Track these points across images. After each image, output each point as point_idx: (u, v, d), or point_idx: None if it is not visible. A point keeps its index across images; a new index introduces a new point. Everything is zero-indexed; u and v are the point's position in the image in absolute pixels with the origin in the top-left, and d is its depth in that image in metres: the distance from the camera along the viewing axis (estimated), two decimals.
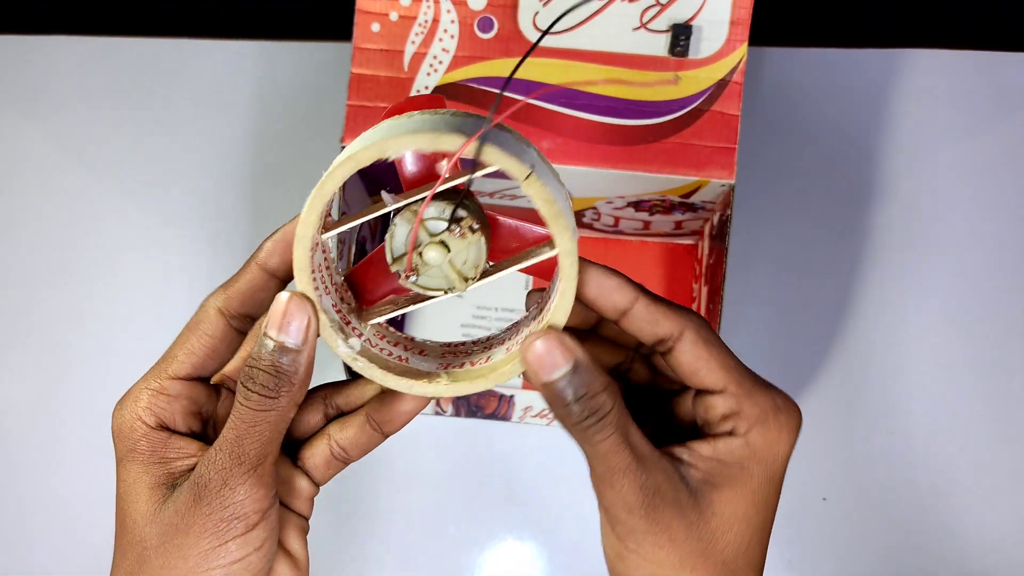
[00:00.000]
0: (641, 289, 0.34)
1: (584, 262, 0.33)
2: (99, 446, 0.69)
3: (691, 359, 0.34)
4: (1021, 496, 0.66)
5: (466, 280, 0.33)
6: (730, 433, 0.34)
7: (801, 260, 0.69)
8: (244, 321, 0.35)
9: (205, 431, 0.36)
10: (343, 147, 0.56)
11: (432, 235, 0.32)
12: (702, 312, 0.64)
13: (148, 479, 0.34)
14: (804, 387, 0.68)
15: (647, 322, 0.34)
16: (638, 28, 0.55)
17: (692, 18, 0.55)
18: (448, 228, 0.32)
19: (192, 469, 0.34)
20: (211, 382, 0.37)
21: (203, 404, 0.36)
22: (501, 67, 0.55)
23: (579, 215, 0.65)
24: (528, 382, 0.34)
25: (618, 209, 0.62)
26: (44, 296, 0.71)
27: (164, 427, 0.35)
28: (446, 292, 0.33)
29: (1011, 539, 0.65)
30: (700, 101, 0.55)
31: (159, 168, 0.72)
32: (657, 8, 0.55)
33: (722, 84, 0.55)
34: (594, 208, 0.63)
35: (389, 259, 0.33)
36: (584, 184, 0.58)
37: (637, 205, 0.61)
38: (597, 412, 0.32)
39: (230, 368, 0.38)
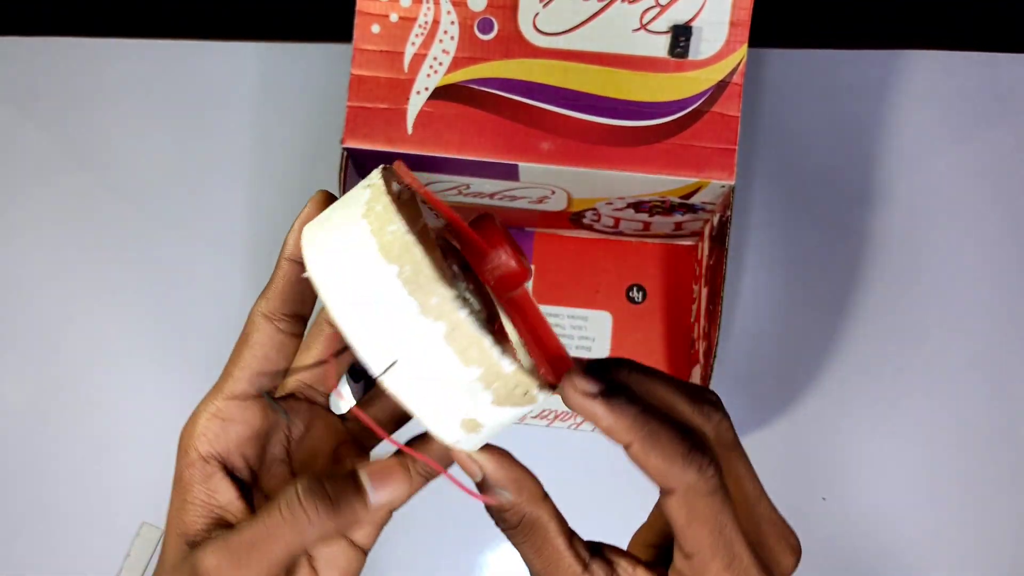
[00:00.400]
0: (649, 426, 0.31)
1: (579, 388, 0.30)
2: (98, 447, 0.69)
3: (671, 518, 0.31)
4: (1022, 495, 0.66)
5: None
6: None
7: (801, 261, 0.69)
8: (294, 322, 0.35)
9: (263, 455, 0.36)
10: (343, 148, 0.56)
11: None
12: (702, 312, 0.64)
13: (178, 524, 0.33)
14: (804, 387, 0.68)
15: (639, 466, 0.31)
16: (638, 29, 0.55)
17: (692, 19, 0.55)
18: None
19: (215, 525, 0.33)
20: (278, 396, 0.37)
21: (259, 427, 0.35)
22: (501, 68, 0.55)
23: (579, 216, 0.65)
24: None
25: (618, 210, 0.62)
26: (44, 296, 0.71)
27: (216, 457, 0.34)
28: None
29: (1011, 538, 0.65)
30: (700, 102, 0.55)
31: (159, 168, 0.72)
32: (657, 9, 0.55)
33: (722, 85, 0.55)
34: (594, 209, 0.63)
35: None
36: (584, 185, 0.58)
37: (637, 206, 0.61)
38: (503, 523, 0.33)
39: (294, 383, 0.38)
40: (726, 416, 0.33)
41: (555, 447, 0.67)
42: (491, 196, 0.61)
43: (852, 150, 0.70)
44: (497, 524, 0.34)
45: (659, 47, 0.55)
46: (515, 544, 0.34)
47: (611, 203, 0.61)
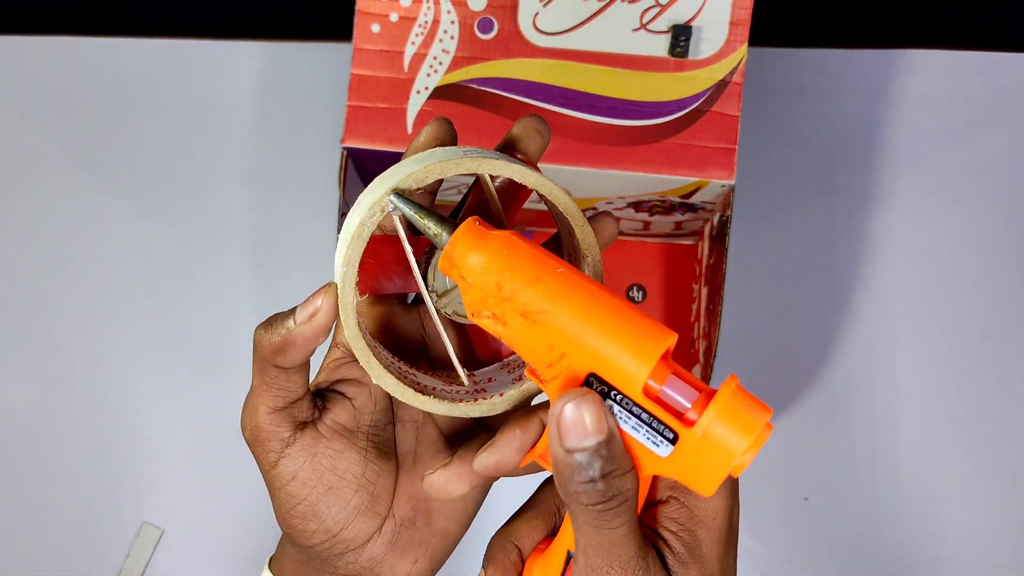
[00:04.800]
0: None
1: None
2: (98, 447, 0.69)
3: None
4: (1016, 496, 0.66)
5: None
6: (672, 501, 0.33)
7: (801, 260, 0.69)
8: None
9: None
10: (343, 148, 0.56)
11: None
12: (702, 312, 0.64)
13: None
14: (804, 387, 0.68)
15: None
16: (638, 29, 0.55)
17: (692, 19, 0.55)
18: None
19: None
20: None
21: (302, 386, 0.36)
22: (501, 68, 0.55)
23: None
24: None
25: (618, 210, 0.62)
26: (44, 296, 0.71)
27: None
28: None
29: (1005, 541, 0.65)
30: (700, 102, 0.55)
31: (159, 168, 0.72)
32: (657, 9, 0.55)
33: (722, 85, 0.55)
34: (594, 208, 0.63)
35: (428, 284, 0.34)
36: (584, 184, 0.58)
37: (637, 206, 0.61)
38: (619, 495, 0.29)
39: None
40: None
41: None
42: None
43: (851, 150, 0.70)
44: (604, 503, 0.29)
45: (659, 47, 0.55)
46: (613, 528, 0.30)
47: (611, 202, 0.61)
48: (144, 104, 0.73)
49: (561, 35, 0.55)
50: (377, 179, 0.33)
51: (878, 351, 0.68)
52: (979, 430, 0.67)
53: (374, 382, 0.33)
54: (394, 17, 0.55)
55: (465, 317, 0.34)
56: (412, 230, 0.34)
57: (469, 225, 0.31)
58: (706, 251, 0.64)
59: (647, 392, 0.29)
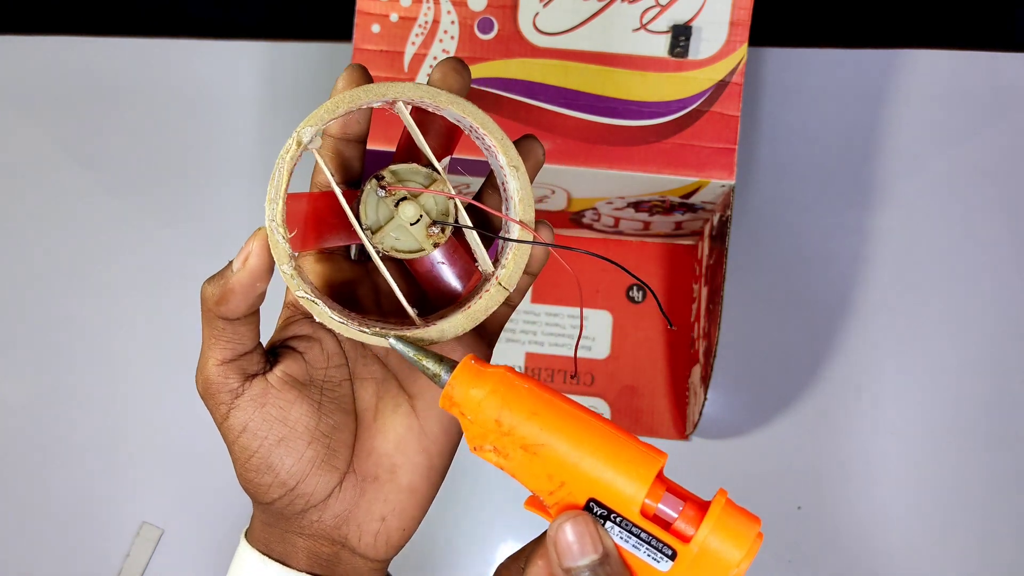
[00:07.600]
0: None
1: None
2: (98, 447, 0.69)
3: None
4: (1016, 499, 0.66)
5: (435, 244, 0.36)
6: None
7: (801, 261, 0.69)
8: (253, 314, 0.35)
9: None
10: None
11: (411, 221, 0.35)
12: (702, 312, 0.64)
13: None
14: (804, 387, 0.68)
15: None
16: (638, 29, 0.55)
17: (692, 19, 0.55)
18: (431, 227, 0.35)
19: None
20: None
21: (251, 339, 0.36)
22: (501, 68, 0.55)
23: (579, 215, 0.65)
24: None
25: (618, 210, 0.62)
26: (44, 296, 0.71)
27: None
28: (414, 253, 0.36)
29: (1001, 542, 0.65)
30: (700, 102, 0.55)
31: (159, 168, 0.72)
32: (657, 9, 0.55)
33: (722, 85, 0.55)
34: (594, 209, 0.63)
35: (361, 222, 0.35)
36: (584, 184, 0.58)
37: (637, 206, 0.61)
38: None
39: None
40: None
41: None
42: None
43: (851, 150, 0.70)
44: None
45: (659, 47, 0.55)
46: None
47: (611, 202, 0.61)
48: (144, 104, 0.73)
49: (561, 35, 0.55)
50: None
51: (878, 352, 0.68)
52: (978, 433, 0.67)
53: (316, 319, 0.34)
54: (394, 17, 0.55)
55: (403, 252, 0.35)
56: (349, 183, 0.36)
57: (466, 364, 0.32)
58: (706, 251, 0.64)
59: (644, 511, 0.31)
